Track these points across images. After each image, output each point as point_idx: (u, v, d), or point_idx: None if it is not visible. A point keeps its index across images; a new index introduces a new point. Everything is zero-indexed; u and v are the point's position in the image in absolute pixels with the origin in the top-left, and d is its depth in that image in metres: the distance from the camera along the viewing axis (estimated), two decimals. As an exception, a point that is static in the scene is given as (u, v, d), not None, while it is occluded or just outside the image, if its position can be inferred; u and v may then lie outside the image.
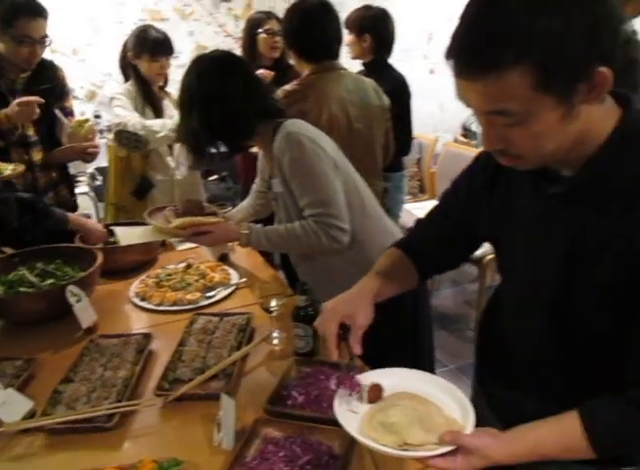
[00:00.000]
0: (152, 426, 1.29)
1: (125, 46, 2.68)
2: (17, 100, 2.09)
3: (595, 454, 0.87)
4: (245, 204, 2.11)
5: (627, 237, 0.80)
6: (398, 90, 2.70)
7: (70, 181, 2.68)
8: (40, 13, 2.13)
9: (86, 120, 2.46)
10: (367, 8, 2.85)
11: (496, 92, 0.75)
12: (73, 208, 2.59)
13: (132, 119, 2.55)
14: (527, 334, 1.03)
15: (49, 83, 2.37)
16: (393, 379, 1.06)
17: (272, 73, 2.68)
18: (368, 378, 1.06)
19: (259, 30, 2.80)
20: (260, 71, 2.61)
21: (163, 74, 2.72)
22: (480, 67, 0.75)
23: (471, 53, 0.76)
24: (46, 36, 2.18)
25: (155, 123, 2.60)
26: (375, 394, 1.02)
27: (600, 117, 0.83)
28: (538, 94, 0.74)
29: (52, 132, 2.41)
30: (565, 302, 0.92)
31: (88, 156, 2.45)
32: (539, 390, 1.02)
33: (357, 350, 1.01)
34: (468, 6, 0.78)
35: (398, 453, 0.90)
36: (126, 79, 2.75)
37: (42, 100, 2.13)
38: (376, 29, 2.78)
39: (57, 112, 2.36)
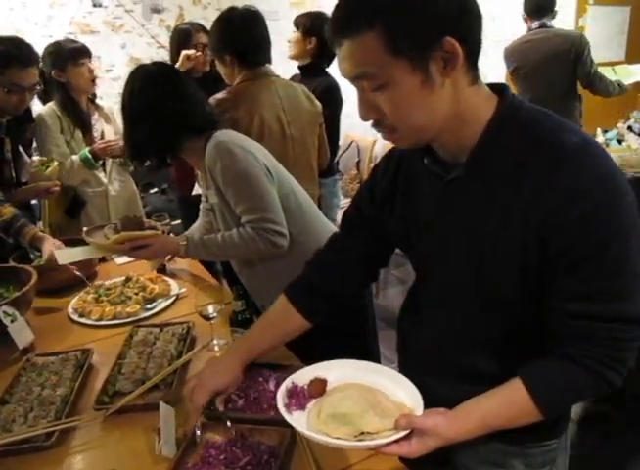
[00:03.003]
0: (92, 441, 1.28)
1: (44, 70, 2.59)
2: None
3: (542, 415, 0.91)
4: (196, 224, 2.11)
5: (523, 207, 0.87)
6: (330, 95, 2.73)
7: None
8: (32, 62, 2.06)
9: (50, 161, 2.42)
10: (319, 14, 2.89)
11: (356, 55, 0.85)
12: None
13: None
14: (451, 322, 1.07)
15: (27, 123, 2.35)
16: (335, 371, 1.05)
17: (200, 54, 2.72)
18: (310, 372, 1.05)
19: (191, 45, 2.79)
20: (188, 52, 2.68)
21: (95, 79, 2.65)
22: (341, 32, 0.85)
23: (336, 21, 0.87)
24: (37, 84, 2.13)
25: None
26: (317, 388, 1.01)
27: (479, 104, 0.91)
28: (391, 57, 0.83)
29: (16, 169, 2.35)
30: (483, 282, 0.96)
31: (50, 195, 2.42)
32: (461, 376, 1.06)
33: (222, 407, 1.17)
34: None
35: (354, 445, 0.88)
36: (44, 104, 2.69)
37: None
38: (324, 36, 2.80)
39: (20, 148, 2.30)
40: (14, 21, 3.90)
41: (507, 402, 0.93)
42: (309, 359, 1.49)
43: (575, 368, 0.90)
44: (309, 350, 1.68)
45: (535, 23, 3.68)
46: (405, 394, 0.99)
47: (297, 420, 0.94)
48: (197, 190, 2.52)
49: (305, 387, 1.01)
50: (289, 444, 1.16)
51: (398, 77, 0.84)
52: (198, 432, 1.19)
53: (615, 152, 3.50)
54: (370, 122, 0.93)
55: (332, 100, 2.75)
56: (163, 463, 1.15)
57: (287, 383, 1.02)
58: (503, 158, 0.90)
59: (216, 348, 1.60)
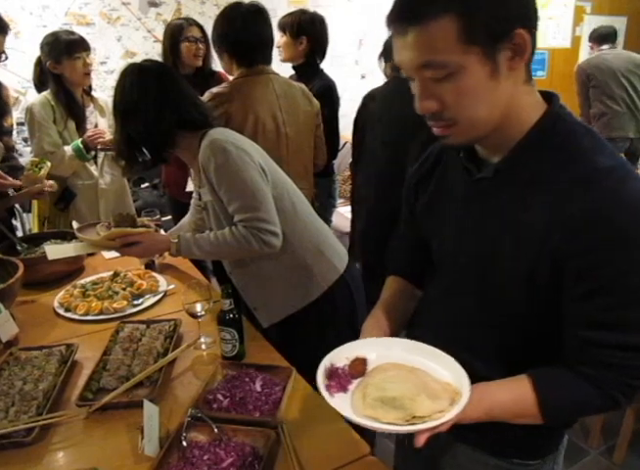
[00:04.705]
0: (74, 438, 1.26)
1: (41, 60, 2.59)
2: None
3: (543, 420, 0.91)
4: (186, 219, 2.09)
5: (544, 220, 0.86)
6: (326, 94, 2.71)
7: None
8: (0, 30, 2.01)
9: (43, 161, 2.39)
10: (303, 12, 2.85)
11: (425, 43, 0.81)
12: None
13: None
14: (457, 320, 1.05)
15: None
16: (374, 350, 1.00)
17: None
18: (347, 352, 1.00)
19: (184, 38, 2.76)
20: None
21: (89, 73, 2.63)
22: (409, 19, 0.82)
23: (402, 8, 0.84)
24: (2, 52, 2.07)
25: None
26: (358, 368, 0.96)
27: (528, 106, 0.90)
28: (463, 46, 0.80)
29: None
30: (487, 285, 0.96)
31: (42, 195, 2.38)
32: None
33: None
34: None
35: (407, 429, 0.84)
36: (39, 92, 2.66)
37: None
38: (313, 33, 2.77)
39: None
40: (8, 9, 3.85)
41: (514, 398, 0.92)
42: (297, 359, 1.49)
43: (587, 386, 0.89)
44: (298, 349, 1.67)
45: (604, 46, 4.38)
46: (448, 372, 0.94)
47: (341, 404, 0.89)
48: (190, 187, 2.50)
49: (346, 367, 0.96)
50: (273, 445, 1.14)
51: (468, 67, 0.81)
52: (184, 439, 1.16)
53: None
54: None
55: (329, 100, 2.73)
56: (146, 462, 1.13)
57: (325, 363, 0.96)
58: (535, 167, 0.89)
59: (203, 346, 1.58)
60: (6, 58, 2.12)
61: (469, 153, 0.99)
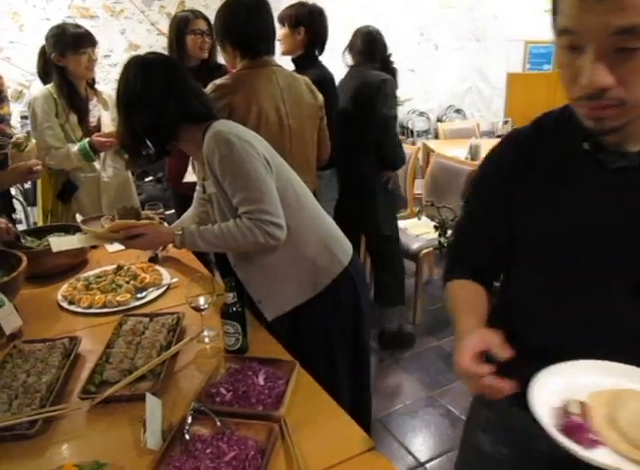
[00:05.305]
0: (77, 430, 1.26)
1: (45, 51, 2.58)
2: None
3: None
4: (189, 213, 2.08)
5: None
6: (324, 87, 2.69)
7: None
8: None
9: (27, 140, 2.37)
10: (302, 4, 2.84)
11: (636, 4, 0.74)
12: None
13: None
14: (595, 317, 0.98)
15: None
16: (574, 383, 0.89)
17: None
18: (552, 393, 0.87)
19: (189, 31, 2.75)
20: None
21: (93, 67, 2.63)
22: None
23: None
24: None
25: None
26: (586, 411, 0.84)
27: None
28: None
29: None
30: (632, 275, 0.92)
31: (33, 174, 2.33)
32: None
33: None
34: None
35: None
36: (44, 84, 2.66)
37: None
38: (312, 23, 2.75)
39: None
40: (11, 2, 3.85)
41: None
42: (301, 353, 1.49)
43: None
44: (302, 343, 1.67)
45: None
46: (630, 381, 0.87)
47: (609, 460, 0.77)
48: (187, 178, 2.49)
49: (578, 418, 0.84)
50: (276, 439, 1.14)
51: None
52: (187, 432, 1.16)
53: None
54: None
55: (325, 91, 2.71)
56: (149, 455, 1.13)
57: (552, 421, 0.83)
58: None
59: (206, 339, 1.58)
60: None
61: (594, 143, 0.94)
